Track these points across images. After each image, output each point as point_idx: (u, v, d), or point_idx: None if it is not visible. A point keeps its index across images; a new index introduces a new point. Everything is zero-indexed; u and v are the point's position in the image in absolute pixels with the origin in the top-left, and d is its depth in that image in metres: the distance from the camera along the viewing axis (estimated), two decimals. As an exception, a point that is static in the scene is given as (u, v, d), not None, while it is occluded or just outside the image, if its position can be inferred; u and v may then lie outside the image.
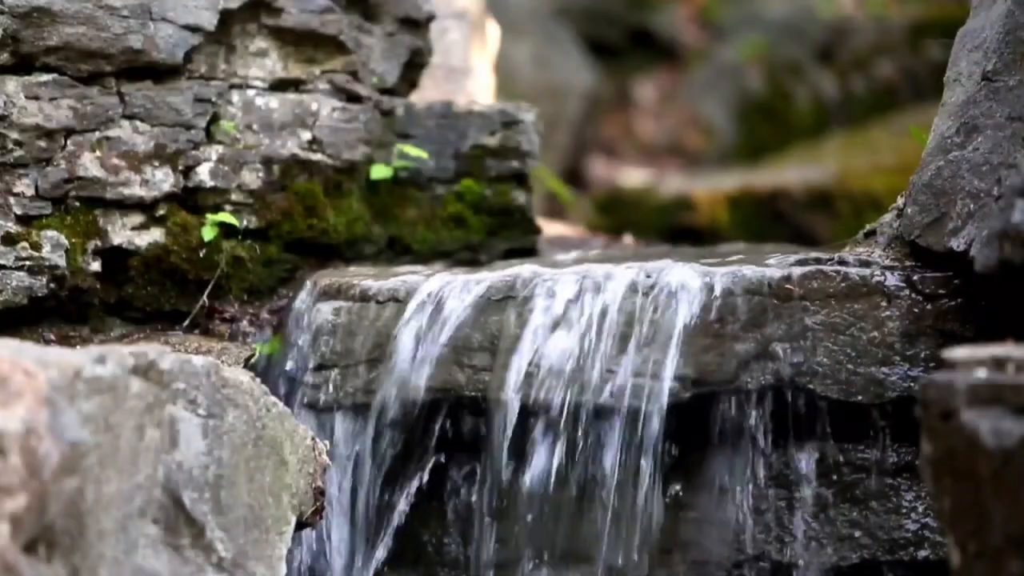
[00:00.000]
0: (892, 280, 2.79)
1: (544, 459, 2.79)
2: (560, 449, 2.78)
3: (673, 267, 2.83)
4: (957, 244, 2.75)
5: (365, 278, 3.01)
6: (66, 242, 3.00)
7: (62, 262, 2.99)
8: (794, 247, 3.25)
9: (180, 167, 3.13)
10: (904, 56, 7.58)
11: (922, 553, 2.77)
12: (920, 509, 2.77)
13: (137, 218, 3.11)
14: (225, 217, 3.15)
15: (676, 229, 6.06)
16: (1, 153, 2.98)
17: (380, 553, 2.89)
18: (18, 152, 2.99)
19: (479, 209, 3.39)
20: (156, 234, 3.13)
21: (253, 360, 3.01)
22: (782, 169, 6.56)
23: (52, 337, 3.04)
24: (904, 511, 2.78)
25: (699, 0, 8.62)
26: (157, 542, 2.25)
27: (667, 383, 2.74)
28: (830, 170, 6.22)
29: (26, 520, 1.98)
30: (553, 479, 2.79)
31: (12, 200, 3.00)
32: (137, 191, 3.09)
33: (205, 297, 3.15)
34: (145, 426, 2.23)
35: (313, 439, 2.53)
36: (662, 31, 8.38)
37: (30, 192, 3.01)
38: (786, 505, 2.80)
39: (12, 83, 2.99)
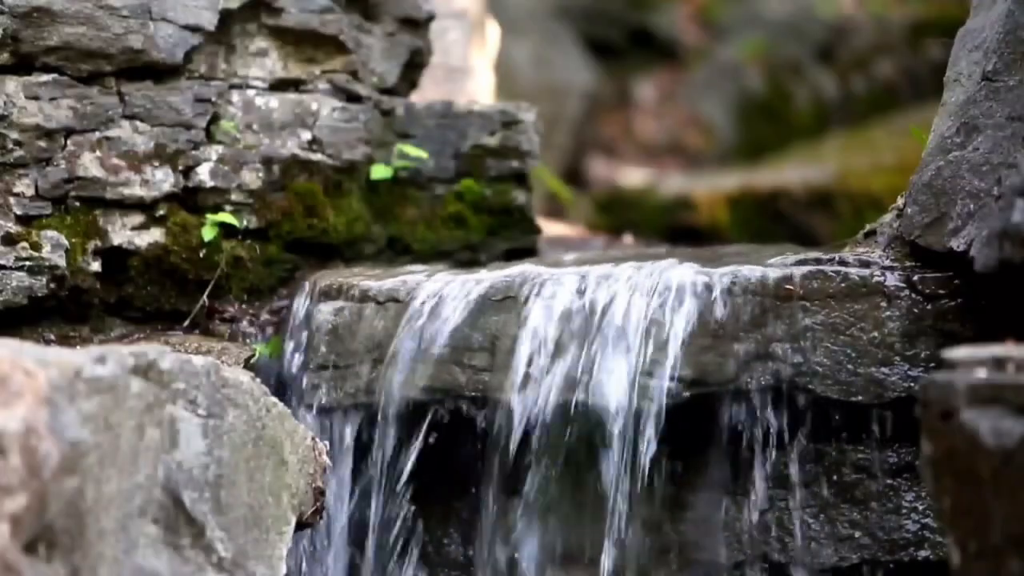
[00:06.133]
0: (892, 280, 2.79)
1: (544, 459, 2.79)
2: (560, 449, 2.78)
3: (673, 267, 2.83)
4: (957, 244, 2.75)
5: (365, 278, 3.01)
6: (66, 242, 3.00)
7: (62, 262, 2.99)
8: (794, 247, 3.25)
9: (180, 167, 3.13)
10: (904, 56, 7.59)
11: (922, 553, 2.77)
12: (920, 509, 2.77)
13: (137, 218, 3.11)
14: (225, 217, 3.15)
15: (676, 229, 6.07)
16: (1, 153, 2.98)
17: (381, 553, 2.89)
18: (18, 152, 2.99)
19: (479, 209, 3.39)
20: (156, 234, 3.13)
21: (253, 360, 3.01)
22: (782, 169, 6.56)
23: (52, 337, 3.04)
24: (904, 511, 2.78)
25: (699, 0, 8.62)
26: (157, 542, 2.25)
27: (667, 383, 2.74)
28: (830, 170, 6.22)
29: (26, 520, 1.98)
30: (553, 479, 2.79)
31: (12, 200, 3.00)
32: (137, 191, 3.09)
33: (205, 297, 3.15)
34: (145, 426, 2.23)
35: (313, 439, 2.53)
36: (662, 31, 8.38)
37: (30, 192, 3.01)
38: (786, 505, 2.80)
39: (12, 83, 2.99)
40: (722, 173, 6.94)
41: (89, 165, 3.05)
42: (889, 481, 2.78)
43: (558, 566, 2.82)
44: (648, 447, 2.74)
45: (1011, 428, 1.95)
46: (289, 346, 3.04)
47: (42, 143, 3.01)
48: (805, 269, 2.80)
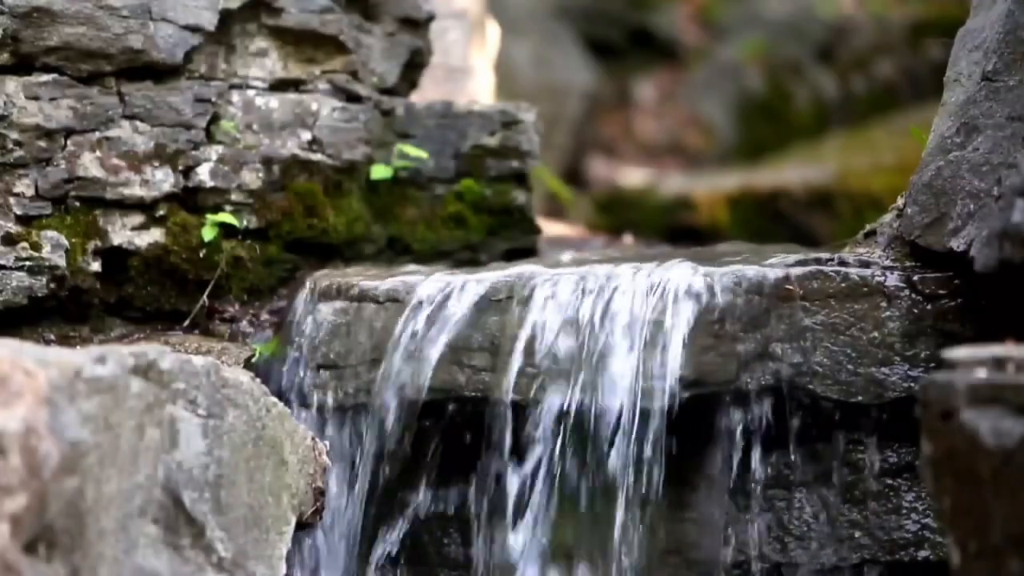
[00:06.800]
0: (892, 280, 2.80)
1: (544, 459, 2.79)
2: (560, 449, 2.78)
3: (673, 267, 2.83)
4: (957, 244, 2.75)
5: (365, 278, 3.01)
6: (66, 242, 3.00)
7: (62, 262, 2.99)
8: (794, 247, 3.25)
9: (180, 167, 3.13)
10: (904, 56, 7.59)
11: (922, 553, 2.77)
12: (920, 509, 2.77)
13: (137, 218, 3.11)
14: (225, 217, 3.15)
15: (676, 229, 6.07)
16: (1, 153, 2.98)
17: (380, 553, 2.89)
18: (18, 152, 2.99)
19: (479, 209, 3.40)
20: (156, 234, 3.13)
21: (253, 360, 3.01)
22: (782, 169, 6.56)
23: (52, 337, 3.04)
24: (904, 511, 2.78)
25: (699, 0, 8.62)
26: (157, 542, 2.25)
27: (667, 383, 2.74)
28: (830, 170, 6.22)
29: (26, 520, 1.98)
30: (553, 480, 2.79)
31: (12, 200, 3.00)
32: (137, 191, 3.09)
33: (205, 297, 3.15)
34: (145, 426, 2.23)
35: (313, 439, 2.53)
36: (662, 31, 8.38)
37: (30, 192, 3.01)
38: (786, 506, 2.80)
39: (12, 83, 2.99)
40: (722, 173, 6.94)
41: (89, 165, 3.05)
42: (889, 481, 2.79)
43: (559, 567, 2.81)
44: (649, 447, 2.74)
45: (1011, 428, 1.95)
46: (289, 346, 3.04)
47: (42, 143, 3.01)
48: (805, 269, 2.80)
